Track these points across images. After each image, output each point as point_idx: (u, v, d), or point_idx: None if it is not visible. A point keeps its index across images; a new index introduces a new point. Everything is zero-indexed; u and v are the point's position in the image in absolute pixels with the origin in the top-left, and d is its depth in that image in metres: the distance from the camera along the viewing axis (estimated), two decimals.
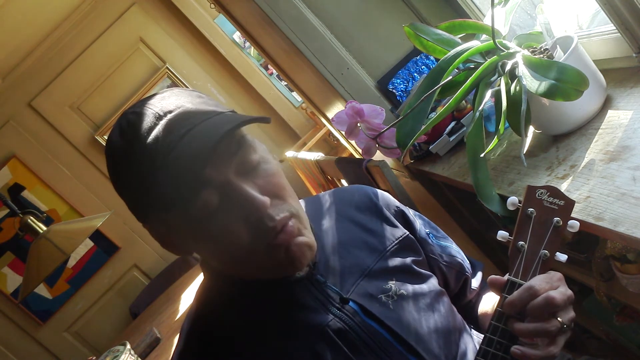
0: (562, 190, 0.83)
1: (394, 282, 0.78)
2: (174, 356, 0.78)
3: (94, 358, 2.09)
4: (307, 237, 0.70)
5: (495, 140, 0.89)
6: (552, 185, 0.71)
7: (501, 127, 0.89)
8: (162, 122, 0.66)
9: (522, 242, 0.69)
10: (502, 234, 0.71)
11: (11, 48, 3.38)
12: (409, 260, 0.82)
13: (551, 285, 0.65)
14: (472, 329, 0.91)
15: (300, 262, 0.69)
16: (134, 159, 0.66)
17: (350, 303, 0.74)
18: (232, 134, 0.66)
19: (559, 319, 0.64)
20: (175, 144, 0.64)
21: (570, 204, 0.69)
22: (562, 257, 0.68)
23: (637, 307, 1.08)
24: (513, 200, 0.71)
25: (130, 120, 0.68)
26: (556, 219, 0.69)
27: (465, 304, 0.97)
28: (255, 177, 0.68)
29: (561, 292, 0.65)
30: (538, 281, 0.65)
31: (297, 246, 0.68)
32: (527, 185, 0.71)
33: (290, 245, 0.67)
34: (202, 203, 0.64)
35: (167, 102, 0.68)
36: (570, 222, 0.69)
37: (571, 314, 0.66)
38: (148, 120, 0.66)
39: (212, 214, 0.65)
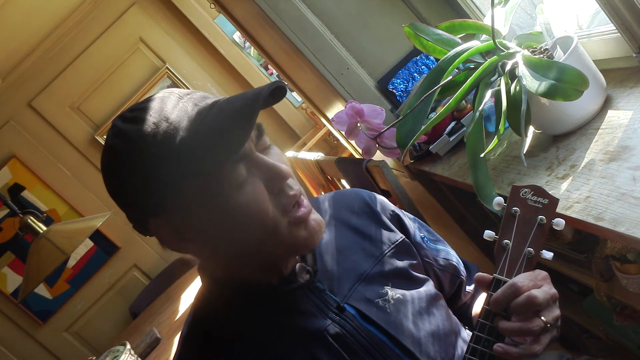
0: (562, 190, 0.83)
1: (390, 286, 0.79)
2: None
3: (94, 358, 2.09)
4: (318, 215, 0.72)
5: (495, 140, 0.89)
6: (537, 184, 0.71)
7: (501, 127, 0.89)
8: (186, 99, 0.67)
9: (507, 241, 0.69)
10: (488, 234, 0.72)
11: (11, 48, 3.38)
12: (405, 264, 0.83)
13: (535, 283, 0.65)
14: (468, 331, 0.91)
15: (317, 236, 0.71)
16: (157, 135, 0.64)
17: (348, 308, 0.75)
18: (264, 103, 0.65)
19: (542, 318, 0.64)
20: (207, 113, 0.65)
21: (554, 202, 0.70)
22: (548, 254, 0.69)
23: (637, 307, 1.08)
24: (498, 200, 0.72)
25: (143, 107, 0.67)
26: (540, 217, 0.69)
27: (460, 307, 0.98)
28: (269, 155, 0.70)
29: (544, 290, 0.65)
30: (521, 278, 0.66)
31: (315, 221, 0.71)
32: (512, 185, 0.72)
33: (309, 220, 0.70)
34: (233, 170, 0.64)
35: (182, 90, 0.70)
36: (555, 220, 0.69)
37: (556, 312, 0.66)
38: (169, 101, 0.67)
39: (240, 185, 0.65)
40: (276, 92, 0.66)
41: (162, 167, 0.64)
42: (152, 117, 0.65)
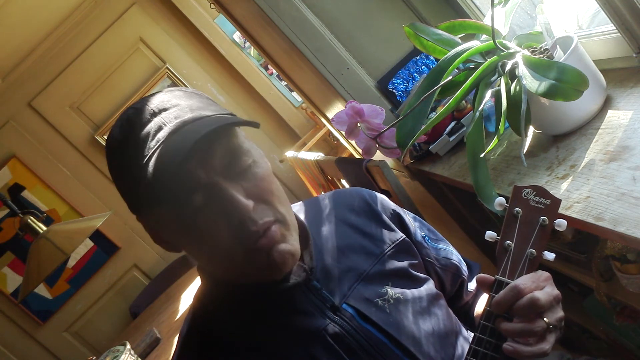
0: (562, 190, 0.83)
1: (390, 286, 0.78)
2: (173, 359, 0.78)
3: (94, 358, 2.09)
4: (291, 244, 0.69)
5: (495, 140, 0.89)
6: (538, 184, 0.71)
7: (501, 127, 0.89)
8: (155, 120, 0.68)
9: (509, 242, 0.69)
10: (489, 234, 0.71)
11: (11, 48, 3.38)
12: (405, 263, 0.82)
13: (537, 285, 0.65)
14: (469, 331, 0.91)
15: (279, 269, 0.69)
16: (127, 152, 0.68)
17: (347, 307, 0.74)
18: (216, 135, 0.67)
19: (545, 319, 0.64)
20: (163, 140, 0.65)
21: (556, 203, 0.69)
22: (550, 255, 0.68)
23: (637, 307, 1.08)
24: (500, 200, 0.71)
25: (129, 115, 0.70)
26: (542, 218, 0.69)
27: (462, 306, 0.97)
28: (243, 180, 0.68)
29: (547, 292, 0.65)
30: (523, 280, 0.65)
31: (279, 252, 0.67)
32: (513, 185, 0.72)
33: (272, 251, 0.67)
34: (186, 201, 0.66)
35: (164, 100, 0.70)
36: (557, 220, 0.69)
37: (559, 313, 0.66)
38: (144, 116, 0.69)
39: (195, 212, 0.66)
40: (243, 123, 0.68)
41: (130, 180, 0.68)
42: (127, 130, 0.69)
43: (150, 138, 0.66)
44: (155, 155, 0.64)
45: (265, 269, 0.69)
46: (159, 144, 0.65)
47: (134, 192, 0.69)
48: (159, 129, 0.67)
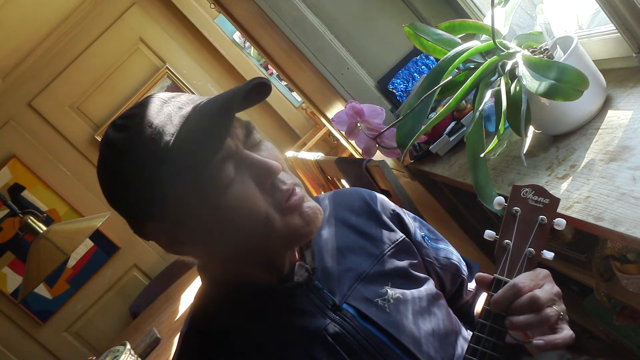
0: (562, 190, 0.83)
1: (390, 286, 0.79)
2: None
3: (94, 358, 2.09)
4: (314, 202, 0.72)
5: (495, 140, 0.89)
6: (538, 184, 0.71)
7: (501, 127, 0.89)
8: (171, 104, 0.68)
9: (508, 241, 0.69)
10: (488, 233, 0.71)
11: (11, 48, 3.38)
12: (405, 263, 0.82)
13: (536, 283, 0.65)
14: (469, 330, 0.91)
15: (314, 224, 0.70)
16: (142, 141, 0.65)
17: (347, 307, 0.75)
18: (244, 100, 0.66)
19: (554, 307, 0.64)
20: (189, 114, 0.65)
21: (555, 202, 0.70)
22: (549, 254, 0.68)
23: (637, 307, 1.08)
24: (499, 199, 0.72)
25: (130, 114, 0.68)
26: (541, 217, 0.69)
27: (462, 306, 0.98)
28: (260, 151, 0.70)
29: (546, 290, 0.65)
30: (522, 278, 0.65)
31: (309, 207, 0.71)
32: (512, 185, 0.72)
33: (302, 207, 0.70)
34: (219, 170, 0.65)
35: (166, 95, 0.70)
36: (556, 219, 0.69)
37: (562, 306, 0.66)
38: (153, 108, 0.67)
39: (229, 184, 0.66)
40: (259, 89, 0.67)
41: (148, 173, 0.65)
42: (136, 125, 0.66)
43: (172, 117, 0.65)
44: (185, 129, 0.64)
45: (299, 227, 0.69)
46: (184, 120, 0.65)
47: (154, 185, 0.65)
48: (179, 109, 0.66)
